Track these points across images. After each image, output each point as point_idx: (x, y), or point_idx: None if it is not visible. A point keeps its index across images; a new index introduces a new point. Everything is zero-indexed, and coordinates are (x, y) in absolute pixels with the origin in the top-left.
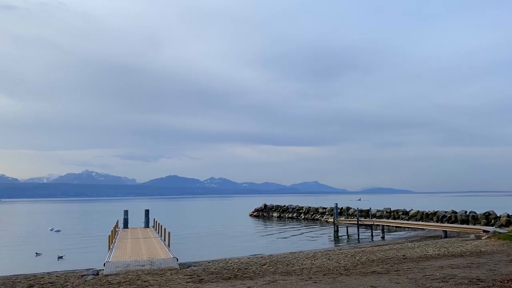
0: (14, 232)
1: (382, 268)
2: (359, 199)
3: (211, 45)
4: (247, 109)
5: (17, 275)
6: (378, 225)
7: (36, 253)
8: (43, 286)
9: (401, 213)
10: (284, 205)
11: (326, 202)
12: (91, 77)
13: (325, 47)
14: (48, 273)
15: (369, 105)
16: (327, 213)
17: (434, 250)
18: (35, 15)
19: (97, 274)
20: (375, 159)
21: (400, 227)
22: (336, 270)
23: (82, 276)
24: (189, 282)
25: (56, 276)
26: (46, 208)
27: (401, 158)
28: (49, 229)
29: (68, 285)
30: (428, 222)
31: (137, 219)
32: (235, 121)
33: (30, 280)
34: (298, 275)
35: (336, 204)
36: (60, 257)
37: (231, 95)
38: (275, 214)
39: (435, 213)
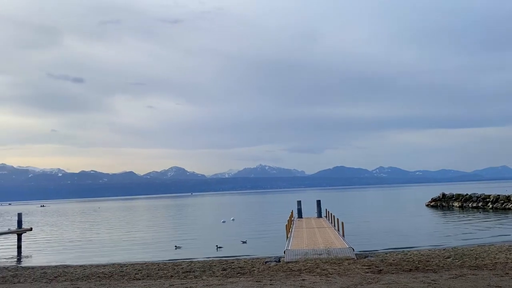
0: (207, 222)
1: None
2: None
3: (366, 29)
4: (414, 91)
5: (212, 258)
6: None
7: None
8: (234, 270)
9: None
10: (466, 194)
11: None
12: (256, 77)
13: (499, 10)
14: (236, 258)
15: None
16: None
17: None
18: (198, 25)
19: (279, 261)
20: None
21: None
22: None
23: (266, 262)
24: (367, 272)
25: (244, 261)
26: (229, 200)
27: None
28: (224, 220)
29: (254, 270)
30: None
31: (309, 210)
32: (401, 105)
33: (223, 264)
34: (490, 269)
35: None
36: (244, 242)
37: (394, 78)
38: (456, 204)
39: None
